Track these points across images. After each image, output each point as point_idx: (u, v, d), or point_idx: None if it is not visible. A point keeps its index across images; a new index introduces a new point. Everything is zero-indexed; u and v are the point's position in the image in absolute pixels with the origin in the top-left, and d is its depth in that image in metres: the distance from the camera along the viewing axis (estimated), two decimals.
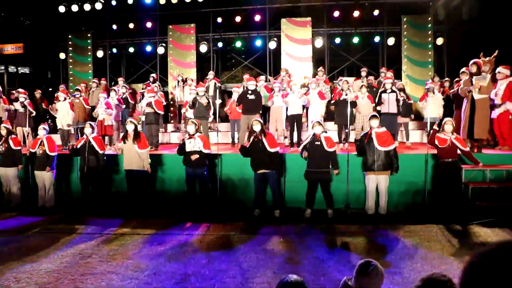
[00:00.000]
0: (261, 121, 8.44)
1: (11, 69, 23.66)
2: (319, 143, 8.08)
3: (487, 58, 9.23)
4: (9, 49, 20.55)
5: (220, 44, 16.94)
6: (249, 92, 10.35)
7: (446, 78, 11.30)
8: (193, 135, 8.38)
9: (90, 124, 9.02)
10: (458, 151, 7.84)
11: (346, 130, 10.51)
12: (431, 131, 8.06)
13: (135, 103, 13.53)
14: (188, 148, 8.32)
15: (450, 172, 7.86)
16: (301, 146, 8.42)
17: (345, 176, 8.47)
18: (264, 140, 8.11)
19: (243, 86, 11.54)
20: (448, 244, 6.63)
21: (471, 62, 9.12)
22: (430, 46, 14.90)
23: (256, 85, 10.99)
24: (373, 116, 8.19)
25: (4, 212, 8.92)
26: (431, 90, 10.54)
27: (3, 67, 23.35)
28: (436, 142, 7.87)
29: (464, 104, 9.18)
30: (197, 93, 10.67)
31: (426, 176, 8.55)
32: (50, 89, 18.50)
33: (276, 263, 5.94)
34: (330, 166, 8.16)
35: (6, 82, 22.31)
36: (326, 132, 8.37)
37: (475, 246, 6.49)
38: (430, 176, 8.57)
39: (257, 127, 8.20)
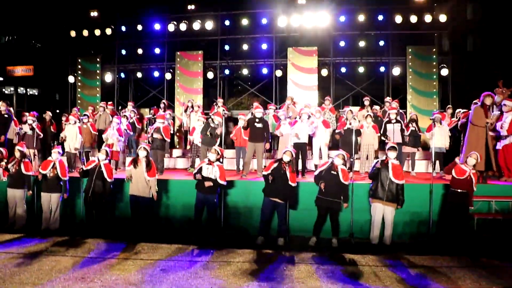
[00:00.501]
0: (293, 154, 8.48)
1: (21, 90, 23.96)
2: (335, 173, 8.12)
3: (505, 90, 9.33)
4: (19, 71, 20.90)
5: (227, 71, 17.20)
6: (257, 120, 10.45)
7: (458, 110, 11.34)
8: (213, 162, 8.44)
9: (106, 151, 9.05)
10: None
11: (351, 159, 10.53)
12: (453, 162, 8.04)
13: (142, 128, 13.65)
14: (205, 173, 8.35)
15: (460, 203, 7.87)
16: (317, 172, 8.42)
17: (350, 205, 8.46)
18: (288, 172, 8.18)
19: (251, 113, 11.61)
20: (453, 276, 6.56)
21: (486, 93, 9.09)
22: (435, 76, 15.08)
23: (264, 113, 11.08)
24: (392, 148, 8.18)
25: (8, 233, 8.92)
26: (437, 121, 10.59)
27: (12, 89, 23.67)
28: (454, 172, 7.88)
29: (469, 132, 9.15)
30: (212, 120, 10.81)
31: (431, 206, 8.52)
32: (58, 111, 18.71)
33: None
34: (341, 198, 8.18)
35: (15, 103, 22.57)
36: (345, 165, 8.39)
37: (481, 277, 6.42)
38: (437, 206, 8.56)
39: (286, 158, 8.25)
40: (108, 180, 8.82)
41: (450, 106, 13.03)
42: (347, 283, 6.25)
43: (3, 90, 25.55)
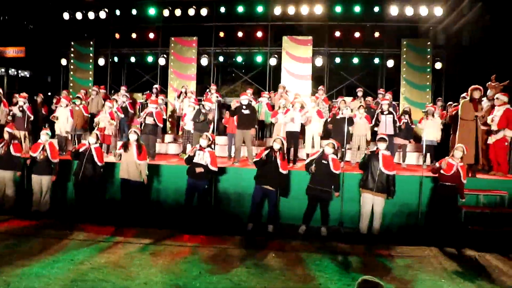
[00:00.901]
0: (284, 141, 8.48)
1: (12, 72, 23.70)
2: (326, 162, 8.15)
3: (497, 84, 9.36)
4: (11, 52, 20.64)
5: (221, 58, 17.10)
6: (244, 106, 10.41)
7: (450, 102, 11.39)
8: (204, 148, 8.43)
9: (96, 134, 9.01)
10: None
11: (343, 149, 10.56)
12: (438, 167, 8.02)
13: (134, 112, 13.58)
14: (196, 159, 8.35)
15: (449, 196, 7.93)
16: (308, 161, 8.43)
17: (340, 194, 8.51)
18: (278, 159, 8.18)
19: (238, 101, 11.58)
20: (439, 266, 6.65)
21: (474, 87, 9.01)
22: (428, 70, 15.10)
23: (252, 100, 11.05)
24: (381, 139, 8.18)
25: None
26: (430, 113, 10.63)
27: (3, 70, 23.39)
28: (443, 164, 7.91)
29: (460, 126, 9.17)
30: (203, 106, 10.74)
31: (421, 198, 8.59)
32: (49, 94, 18.56)
33: (267, 278, 5.95)
34: (332, 187, 8.21)
35: (6, 84, 22.32)
36: (336, 154, 8.41)
37: (467, 269, 6.51)
38: (425, 198, 8.62)
39: (277, 145, 8.28)
40: (99, 164, 8.79)
41: (440, 98, 13.07)
42: (335, 272, 6.31)
43: None
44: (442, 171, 7.89)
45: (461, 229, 7.96)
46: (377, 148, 8.10)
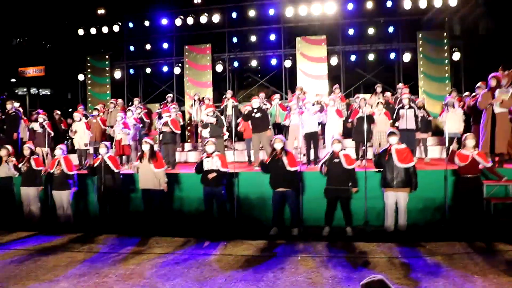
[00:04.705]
0: (284, 139, 8.37)
1: (33, 91, 24.19)
2: (338, 160, 8.03)
3: (506, 72, 9.11)
4: (31, 71, 21.11)
5: (235, 64, 17.13)
6: (255, 110, 10.37)
7: (466, 93, 11.15)
8: (211, 154, 8.39)
9: (105, 144, 9.13)
10: (480, 166, 7.70)
11: (364, 147, 10.42)
12: (450, 151, 7.91)
13: (151, 122, 13.66)
14: (206, 167, 8.33)
15: (471, 188, 7.73)
16: (320, 163, 8.37)
17: (363, 193, 8.37)
18: (284, 158, 8.07)
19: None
20: (471, 261, 6.45)
21: (491, 75, 8.98)
22: (446, 61, 14.85)
23: (264, 103, 10.99)
24: (391, 133, 8.06)
25: (23, 231, 9.00)
26: (450, 105, 10.41)
27: (25, 89, 23.90)
28: (457, 160, 7.73)
29: (483, 118, 9.01)
30: (206, 114, 10.74)
31: (446, 192, 8.38)
32: (70, 110, 18.86)
33: (294, 283, 5.85)
34: (349, 184, 8.08)
35: (28, 103, 22.79)
36: (345, 149, 8.31)
37: (499, 264, 6.29)
38: (450, 192, 8.40)
39: (278, 145, 8.18)
40: (115, 170, 8.88)
41: (454, 88, 12.78)
42: (362, 272, 6.17)
43: (16, 91, 25.88)
44: (458, 162, 7.68)
45: (490, 222, 7.73)
46: (390, 144, 7.95)
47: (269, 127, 10.71)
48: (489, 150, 8.74)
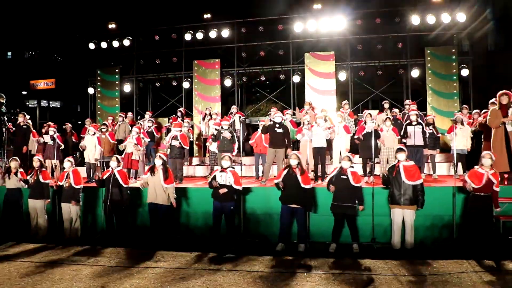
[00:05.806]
0: (300, 156, 8.36)
1: (43, 103, 24.48)
2: (345, 177, 8.01)
3: None
4: (42, 84, 21.39)
5: (244, 78, 17.19)
6: (277, 125, 10.37)
7: (476, 110, 11.09)
8: (226, 169, 8.41)
9: (117, 158, 9.16)
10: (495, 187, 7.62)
11: (371, 163, 10.38)
12: (468, 184, 7.75)
13: (161, 136, 13.73)
14: (219, 181, 8.34)
15: (483, 206, 7.63)
16: (327, 179, 8.36)
17: (370, 209, 8.32)
18: (298, 175, 8.07)
19: (270, 119, 11.52)
20: (479, 280, 6.37)
21: (501, 93, 8.87)
22: (455, 77, 14.82)
23: (282, 119, 11.01)
24: (399, 150, 8.05)
25: (31, 243, 9.03)
26: (459, 122, 10.38)
27: (35, 102, 24.18)
28: (470, 179, 7.64)
29: (493, 136, 8.89)
30: (222, 127, 10.74)
31: (454, 209, 8.31)
32: (79, 123, 19.04)
33: None
34: (356, 202, 8.04)
35: (38, 115, 23.04)
36: (353, 166, 8.29)
37: (508, 283, 6.21)
38: (459, 209, 8.33)
39: (293, 162, 8.17)
40: (124, 185, 8.89)
41: (465, 106, 12.71)
42: None
43: (27, 103, 26.21)
44: (472, 185, 7.60)
45: (499, 240, 7.64)
46: (398, 161, 7.93)
47: (290, 145, 10.67)
48: (508, 169, 8.60)
